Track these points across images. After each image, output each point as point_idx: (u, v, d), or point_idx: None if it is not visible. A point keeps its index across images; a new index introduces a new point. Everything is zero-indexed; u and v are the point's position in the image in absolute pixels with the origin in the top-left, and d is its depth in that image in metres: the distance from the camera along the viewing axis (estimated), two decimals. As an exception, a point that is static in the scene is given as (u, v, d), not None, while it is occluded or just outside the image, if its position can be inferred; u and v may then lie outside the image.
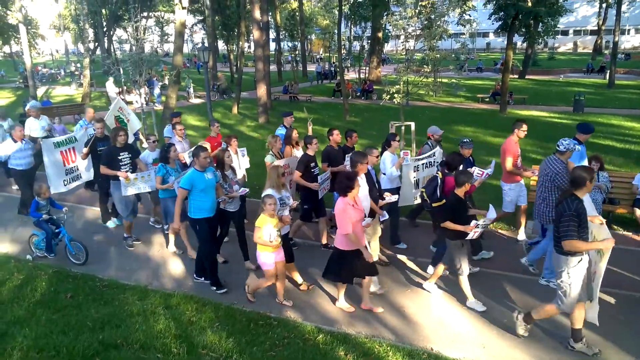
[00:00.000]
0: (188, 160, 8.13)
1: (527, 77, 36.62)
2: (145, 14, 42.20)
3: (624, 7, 36.37)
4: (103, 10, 44.50)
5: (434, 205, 6.65)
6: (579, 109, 21.00)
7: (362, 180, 5.97)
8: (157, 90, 26.87)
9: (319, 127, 18.67)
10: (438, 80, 14.02)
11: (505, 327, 5.58)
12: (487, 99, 25.28)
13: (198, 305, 6.07)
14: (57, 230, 7.38)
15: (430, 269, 6.84)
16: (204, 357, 5.10)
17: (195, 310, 5.96)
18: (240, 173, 8.23)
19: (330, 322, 5.79)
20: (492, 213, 5.94)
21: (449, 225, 5.81)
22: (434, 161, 8.01)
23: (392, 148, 7.53)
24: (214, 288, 6.45)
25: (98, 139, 8.65)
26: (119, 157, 7.71)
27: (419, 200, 7.71)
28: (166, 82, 27.63)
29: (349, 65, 43.33)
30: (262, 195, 5.91)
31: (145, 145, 8.88)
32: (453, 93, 24.20)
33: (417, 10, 12.84)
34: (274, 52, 42.48)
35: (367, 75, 33.85)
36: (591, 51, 55.55)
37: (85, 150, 8.60)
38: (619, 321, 5.61)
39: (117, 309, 6.03)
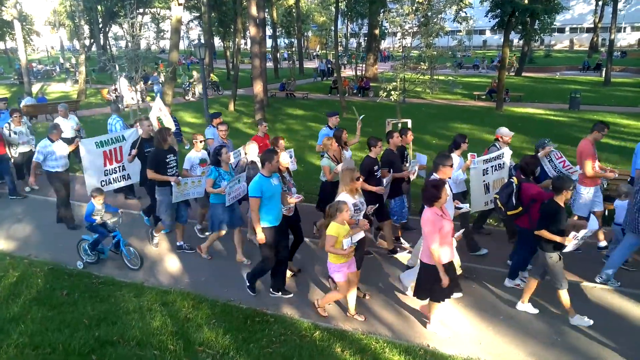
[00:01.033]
0: (233, 161, 7.68)
1: (523, 74, 36.68)
2: (141, 10, 42.06)
3: (620, 5, 36.45)
4: (99, 7, 44.28)
5: (509, 213, 6.18)
6: (575, 107, 21.06)
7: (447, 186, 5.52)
8: (157, 87, 26.77)
9: (315, 124, 18.68)
10: (435, 77, 14.01)
11: (501, 324, 5.60)
12: (484, 97, 25.29)
13: (194, 302, 6.06)
14: (112, 235, 7.03)
15: (507, 281, 6.45)
16: (200, 354, 5.09)
17: (191, 307, 5.95)
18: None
19: (327, 318, 5.79)
20: (593, 224, 5.53)
21: (545, 234, 5.30)
22: (503, 164, 7.45)
23: (459, 150, 7.17)
24: (252, 292, 6.27)
25: (145, 140, 8.04)
26: (167, 160, 7.19)
27: (490, 206, 7.27)
28: (162, 78, 27.53)
29: (346, 62, 43.26)
30: (336, 201, 5.46)
31: (187, 146, 8.59)
32: (450, 90, 24.21)
33: (414, 7, 12.84)
34: (270, 49, 42.36)
35: (363, 72, 33.82)
36: (587, 49, 55.66)
37: (133, 151, 7.98)
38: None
39: (113, 306, 6.02)
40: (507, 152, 7.50)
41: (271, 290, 6.33)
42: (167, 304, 6.04)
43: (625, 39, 65.16)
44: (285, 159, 6.67)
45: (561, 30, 69.12)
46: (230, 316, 5.75)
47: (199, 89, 27.86)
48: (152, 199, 7.74)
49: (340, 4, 29.82)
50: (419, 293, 5.41)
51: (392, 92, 12.64)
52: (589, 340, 5.27)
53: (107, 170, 8.58)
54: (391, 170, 7.19)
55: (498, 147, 7.64)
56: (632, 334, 5.38)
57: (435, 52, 13.56)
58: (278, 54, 43.11)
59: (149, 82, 28.49)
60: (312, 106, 24.27)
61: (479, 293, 6.24)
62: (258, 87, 20.34)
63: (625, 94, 25.45)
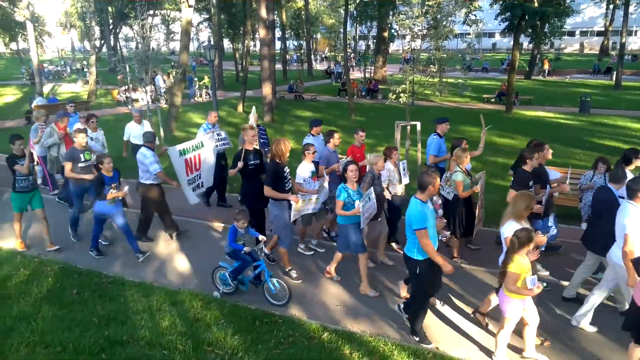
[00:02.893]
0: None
1: (532, 77, 36.50)
2: (151, 12, 42.34)
3: (631, 8, 36.18)
4: (109, 8, 44.65)
5: None
6: (585, 110, 20.92)
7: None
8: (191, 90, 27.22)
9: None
10: (444, 80, 13.94)
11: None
12: (493, 100, 25.21)
13: (203, 303, 6.08)
14: (255, 264, 6.21)
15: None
16: (209, 354, 5.11)
17: (200, 308, 5.97)
18: (400, 189, 7.35)
19: (335, 320, 5.79)
20: None
21: None
22: None
23: (631, 166, 6.76)
24: (416, 338, 5.38)
25: (248, 151, 7.17)
26: (284, 175, 6.60)
27: None
28: (172, 80, 27.68)
29: (354, 64, 43.30)
30: (524, 228, 4.70)
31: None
32: (459, 93, 24.14)
33: (423, 10, 12.81)
34: (279, 51, 42.49)
35: (372, 74, 33.81)
36: (598, 52, 55.31)
37: (239, 164, 7.03)
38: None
39: (122, 305, 6.05)
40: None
41: (404, 315, 5.68)
42: (176, 304, 6.06)
43: (636, 42, 64.67)
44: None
45: (571, 34, 68.70)
46: (238, 317, 5.77)
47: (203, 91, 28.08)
48: (254, 217, 7.01)
49: (349, 7, 29.83)
50: (628, 327, 4.59)
51: (401, 95, 12.61)
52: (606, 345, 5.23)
53: (189, 179, 8.07)
54: (547, 187, 6.61)
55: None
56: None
57: (444, 55, 13.52)
58: (287, 56, 43.17)
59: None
60: (320, 108, 24.31)
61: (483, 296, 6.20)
62: (267, 89, 20.42)
63: (636, 98, 25.24)
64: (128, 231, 7.36)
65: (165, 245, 7.99)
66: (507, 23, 21.18)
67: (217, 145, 8.95)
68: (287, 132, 17.90)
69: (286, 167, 6.67)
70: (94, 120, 9.92)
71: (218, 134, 9.15)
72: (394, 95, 12.61)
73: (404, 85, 12.57)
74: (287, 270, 6.86)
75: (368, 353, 5.10)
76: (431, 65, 13.55)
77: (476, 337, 5.44)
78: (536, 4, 20.95)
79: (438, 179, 5.02)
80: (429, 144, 8.29)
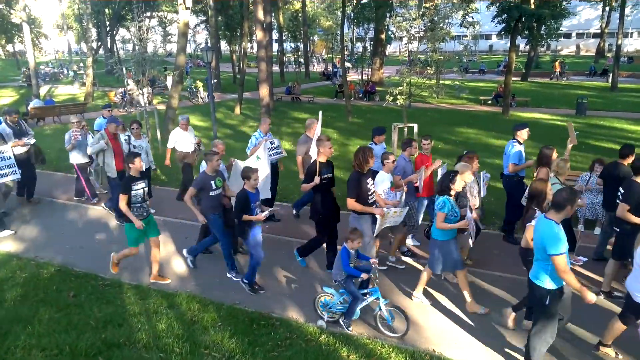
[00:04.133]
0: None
1: (529, 79, 36.61)
2: (148, 13, 42.26)
3: (627, 10, 36.31)
4: (106, 10, 44.59)
5: None
6: (581, 112, 21.00)
7: None
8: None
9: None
10: (441, 82, 14.01)
11: (508, 329, 5.58)
12: (490, 101, 25.27)
13: (200, 305, 6.08)
14: (367, 291, 5.61)
15: None
16: (206, 357, 5.10)
17: (197, 310, 5.97)
18: (478, 202, 6.91)
19: (334, 323, 5.78)
20: None
21: None
22: None
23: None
24: None
25: (322, 164, 6.70)
26: (368, 186, 6.21)
27: None
28: (168, 82, 27.67)
29: (350, 66, 43.40)
30: None
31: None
32: (456, 95, 24.20)
33: (420, 12, 12.86)
34: (276, 53, 42.51)
35: (369, 76, 33.86)
36: (594, 54, 55.50)
37: (316, 179, 6.50)
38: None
39: (119, 308, 6.04)
40: None
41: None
42: (173, 307, 6.05)
43: (632, 44, 64.96)
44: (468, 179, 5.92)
45: (568, 36, 68.93)
46: (235, 319, 5.76)
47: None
48: (326, 235, 6.80)
49: (347, 9, 29.86)
50: None
51: (399, 97, 12.66)
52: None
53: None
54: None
55: None
56: None
57: (441, 57, 13.58)
58: (284, 58, 43.20)
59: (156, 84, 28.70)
60: (317, 110, 24.23)
61: (488, 298, 6.21)
62: (264, 91, 20.41)
63: (632, 100, 25.35)
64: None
65: (162, 247, 7.96)
66: (503, 25, 21.22)
67: (270, 155, 8.43)
68: (285, 134, 17.90)
69: (369, 178, 6.25)
70: (137, 127, 9.34)
71: (271, 142, 8.71)
72: (391, 97, 12.67)
73: (401, 87, 12.62)
74: None
75: (365, 355, 5.10)
76: (428, 67, 13.61)
77: (475, 338, 5.45)
78: (533, 6, 21.02)
79: (579, 200, 4.59)
80: (508, 152, 7.79)
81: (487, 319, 5.79)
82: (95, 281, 6.76)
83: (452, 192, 5.76)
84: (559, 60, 39.69)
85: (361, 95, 28.74)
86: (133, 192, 6.22)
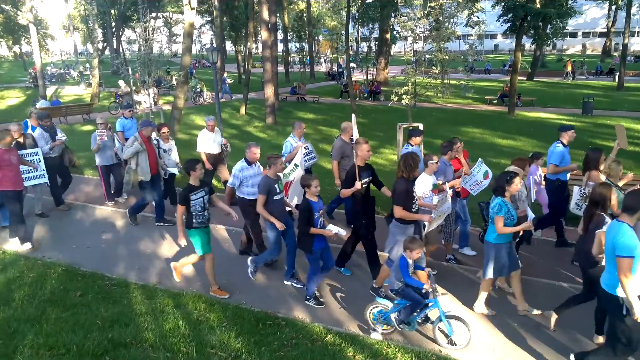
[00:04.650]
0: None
1: (535, 79, 36.48)
2: (153, 14, 42.42)
3: (633, 9, 36.11)
4: (112, 11, 44.80)
5: None
6: (588, 111, 20.89)
7: None
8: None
9: (326, 128, 18.72)
10: (446, 81, 13.99)
11: (513, 330, 5.56)
12: (495, 101, 25.20)
13: (206, 305, 6.09)
14: (426, 302, 5.29)
15: None
16: (212, 356, 5.11)
17: (204, 310, 5.98)
18: (526, 206, 6.47)
19: (339, 322, 5.79)
20: None
21: None
22: None
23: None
24: None
25: (361, 168, 6.43)
26: (413, 194, 5.95)
27: None
28: (174, 82, 27.78)
29: (355, 66, 43.46)
30: None
31: None
32: (461, 95, 24.15)
33: (425, 12, 12.83)
34: (281, 53, 42.58)
35: (374, 76, 33.85)
36: (600, 53, 55.23)
37: (357, 184, 6.27)
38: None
39: (126, 307, 6.06)
40: None
41: None
42: (179, 307, 6.07)
43: (638, 43, 64.58)
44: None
45: (574, 35, 68.70)
46: (242, 319, 5.77)
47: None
48: (368, 245, 6.58)
49: (351, 9, 29.88)
50: None
51: (404, 96, 12.64)
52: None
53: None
54: None
55: None
56: None
57: (447, 57, 13.55)
58: (290, 58, 43.26)
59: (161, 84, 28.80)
60: (322, 110, 24.34)
61: (492, 299, 6.19)
62: (269, 91, 20.45)
63: (639, 99, 25.19)
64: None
65: (169, 247, 8.00)
66: (509, 24, 21.17)
67: (305, 161, 8.16)
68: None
69: (422, 184, 6.05)
70: (165, 130, 9.10)
71: (306, 148, 8.36)
72: (396, 97, 12.65)
73: (406, 87, 12.60)
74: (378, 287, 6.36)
75: (371, 355, 5.10)
76: (433, 67, 13.59)
77: (481, 339, 5.43)
78: (538, 5, 20.94)
79: None
80: (550, 153, 7.57)
81: (494, 321, 5.77)
82: (102, 281, 6.79)
83: (507, 194, 5.57)
84: (570, 60, 39.39)
85: (366, 95, 28.74)
86: (192, 202, 5.97)
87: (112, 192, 10.12)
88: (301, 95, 28.36)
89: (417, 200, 5.97)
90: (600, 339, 5.21)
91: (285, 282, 6.73)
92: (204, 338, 5.40)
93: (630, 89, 28.90)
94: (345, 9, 26.97)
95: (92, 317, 5.80)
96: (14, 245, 7.96)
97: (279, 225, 6.22)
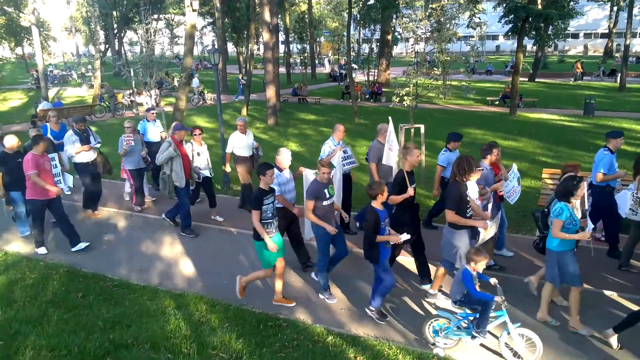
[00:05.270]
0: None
1: (537, 80, 36.44)
2: (155, 16, 42.50)
3: (635, 10, 36.05)
4: (114, 13, 44.89)
5: None
6: (589, 112, 20.86)
7: None
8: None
9: (328, 129, 18.72)
10: (448, 82, 13.97)
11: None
12: (497, 102, 25.17)
13: (208, 306, 6.10)
14: (493, 314, 5.07)
15: None
16: (213, 357, 5.12)
17: (205, 311, 5.99)
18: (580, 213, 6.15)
19: (340, 324, 5.79)
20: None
21: None
22: None
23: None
24: None
25: (409, 174, 6.23)
26: (468, 199, 5.76)
27: None
28: (176, 84, 27.82)
29: (356, 67, 43.53)
30: None
31: None
32: (463, 96, 24.13)
33: (427, 13, 12.81)
34: (283, 55, 42.62)
35: (376, 77, 33.85)
36: (602, 54, 55.16)
37: (410, 190, 6.03)
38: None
39: (127, 309, 6.07)
40: None
41: None
42: (181, 308, 6.08)
43: (640, 44, 64.51)
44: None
45: (575, 36, 68.60)
46: (243, 320, 5.78)
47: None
48: (418, 253, 6.43)
49: (353, 10, 29.88)
50: None
51: (405, 98, 12.62)
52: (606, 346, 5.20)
53: None
54: None
55: None
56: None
57: (448, 58, 13.52)
58: (291, 60, 43.31)
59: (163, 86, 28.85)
60: (324, 111, 24.35)
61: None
62: (270, 92, 20.46)
63: (641, 100, 25.16)
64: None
65: (170, 248, 8.01)
66: (510, 25, 21.15)
67: (343, 165, 7.86)
68: (291, 135, 17.95)
69: (469, 190, 5.79)
70: (198, 132, 8.81)
71: (344, 152, 8.06)
72: (398, 98, 12.62)
73: (407, 88, 12.57)
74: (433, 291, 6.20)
75: (372, 357, 5.09)
76: (435, 68, 13.57)
77: (483, 342, 5.42)
78: (540, 6, 20.92)
79: None
80: (598, 160, 7.28)
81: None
82: (104, 282, 6.81)
83: (573, 200, 5.32)
84: (579, 61, 39.22)
85: (367, 96, 28.75)
86: (263, 207, 5.68)
87: (140, 195, 9.81)
88: (303, 96, 28.37)
89: (471, 205, 5.74)
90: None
91: (320, 295, 6.40)
92: (205, 339, 5.40)
93: (632, 90, 28.84)
94: (347, 11, 26.96)
95: (94, 318, 5.82)
96: (18, 246, 7.98)
97: (331, 229, 5.95)
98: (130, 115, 23.28)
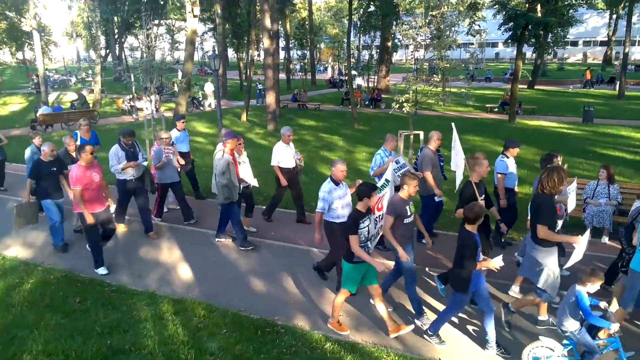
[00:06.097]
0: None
1: (536, 87, 36.56)
2: (156, 21, 42.66)
3: (634, 18, 36.22)
4: (115, 18, 45.04)
5: None
6: (588, 120, 20.92)
7: None
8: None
9: (327, 135, 18.75)
10: (447, 89, 14.03)
11: (515, 339, 5.54)
12: (496, 109, 25.24)
13: (206, 312, 6.08)
14: (603, 342, 4.70)
15: None
16: (211, 363, 5.10)
17: (203, 317, 5.97)
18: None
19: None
20: None
21: None
22: None
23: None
24: None
25: (478, 185, 6.03)
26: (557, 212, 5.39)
27: None
28: (176, 89, 27.90)
29: (356, 74, 43.68)
30: None
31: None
32: (462, 103, 24.21)
33: (427, 20, 12.89)
34: (283, 61, 42.75)
35: (375, 84, 33.95)
36: (601, 62, 55.36)
37: (481, 203, 5.66)
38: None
39: (125, 314, 6.05)
40: None
41: None
42: (179, 313, 6.06)
43: (639, 52, 64.75)
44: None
45: (574, 44, 68.94)
46: (241, 326, 5.76)
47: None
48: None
49: (353, 17, 30.01)
50: None
51: (405, 104, 12.66)
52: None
53: (376, 218, 5.99)
54: None
55: None
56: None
57: (448, 65, 13.59)
58: (291, 66, 43.43)
59: (164, 91, 28.95)
60: (324, 117, 24.40)
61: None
62: (270, 98, 20.52)
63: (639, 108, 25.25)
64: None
65: (168, 253, 8.00)
66: (510, 33, 21.25)
67: (398, 176, 7.23)
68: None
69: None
70: (241, 142, 8.32)
71: (396, 162, 7.58)
72: (397, 105, 12.67)
73: (407, 95, 12.63)
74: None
75: (371, 363, 5.08)
76: (434, 75, 13.63)
77: (483, 349, 5.41)
78: (539, 14, 21.03)
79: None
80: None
81: (498, 332, 5.74)
82: (101, 287, 6.79)
83: None
84: (589, 69, 39.25)
85: (367, 102, 28.82)
86: (359, 231, 5.23)
87: (163, 209, 9.49)
88: (302, 102, 28.44)
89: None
90: None
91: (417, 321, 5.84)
92: (203, 345, 5.38)
93: (631, 98, 28.95)
94: (347, 17, 27.08)
95: (91, 324, 5.79)
96: (16, 251, 7.95)
97: (404, 257, 5.48)
98: (130, 120, 23.29)
